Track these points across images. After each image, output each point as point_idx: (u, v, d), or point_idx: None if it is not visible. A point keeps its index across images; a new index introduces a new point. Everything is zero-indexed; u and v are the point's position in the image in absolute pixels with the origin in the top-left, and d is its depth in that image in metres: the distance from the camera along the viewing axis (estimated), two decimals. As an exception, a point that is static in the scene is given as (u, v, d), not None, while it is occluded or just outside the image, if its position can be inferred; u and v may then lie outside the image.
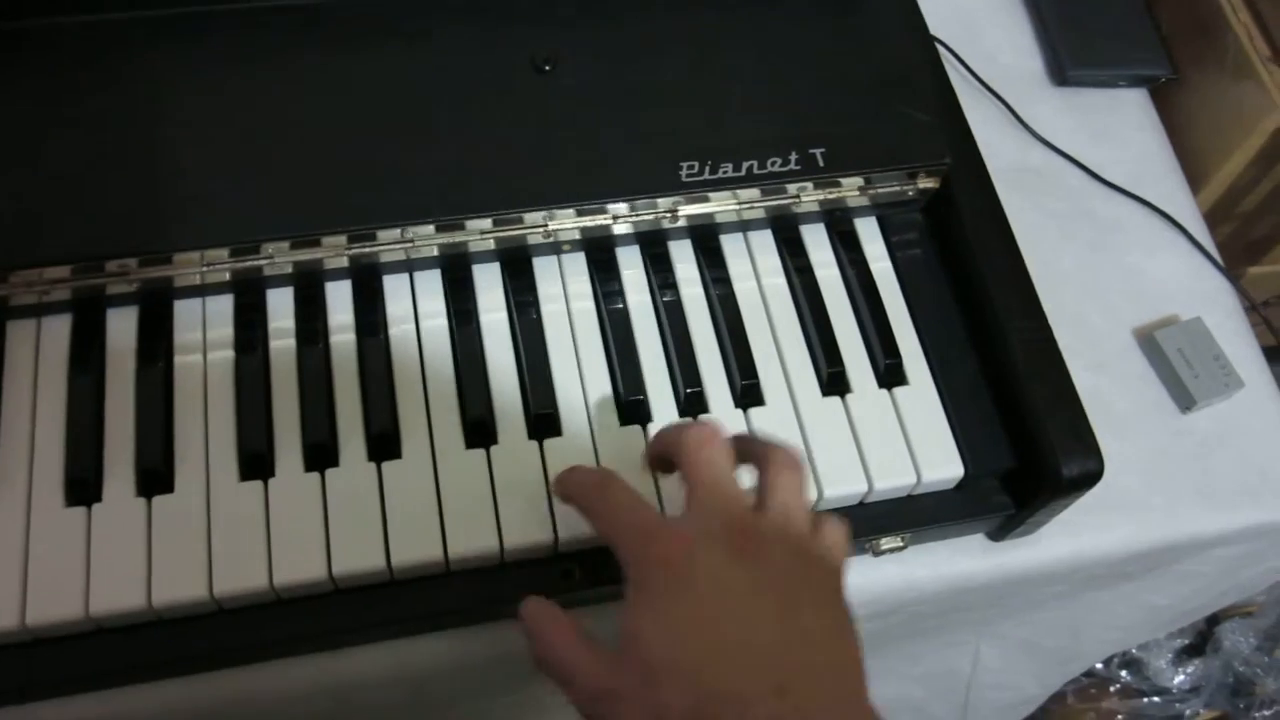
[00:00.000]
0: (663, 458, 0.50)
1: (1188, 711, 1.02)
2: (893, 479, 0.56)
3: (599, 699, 0.42)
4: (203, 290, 0.56)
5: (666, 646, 0.41)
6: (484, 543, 0.52)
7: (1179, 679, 1.00)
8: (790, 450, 0.47)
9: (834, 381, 0.58)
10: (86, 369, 0.54)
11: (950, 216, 0.61)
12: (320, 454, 0.53)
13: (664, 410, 0.56)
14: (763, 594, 0.42)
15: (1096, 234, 0.74)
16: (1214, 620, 0.97)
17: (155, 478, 0.52)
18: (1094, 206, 0.76)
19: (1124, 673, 1.03)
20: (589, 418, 0.56)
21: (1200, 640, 1.00)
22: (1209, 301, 0.73)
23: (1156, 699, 1.02)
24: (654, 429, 0.55)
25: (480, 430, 0.54)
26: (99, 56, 0.57)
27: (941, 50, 0.77)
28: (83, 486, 0.51)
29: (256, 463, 0.53)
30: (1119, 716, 1.02)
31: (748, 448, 0.48)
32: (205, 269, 0.55)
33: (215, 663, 0.52)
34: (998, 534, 0.62)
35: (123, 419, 0.53)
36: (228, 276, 0.56)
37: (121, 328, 0.56)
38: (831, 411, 0.57)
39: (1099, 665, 1.04)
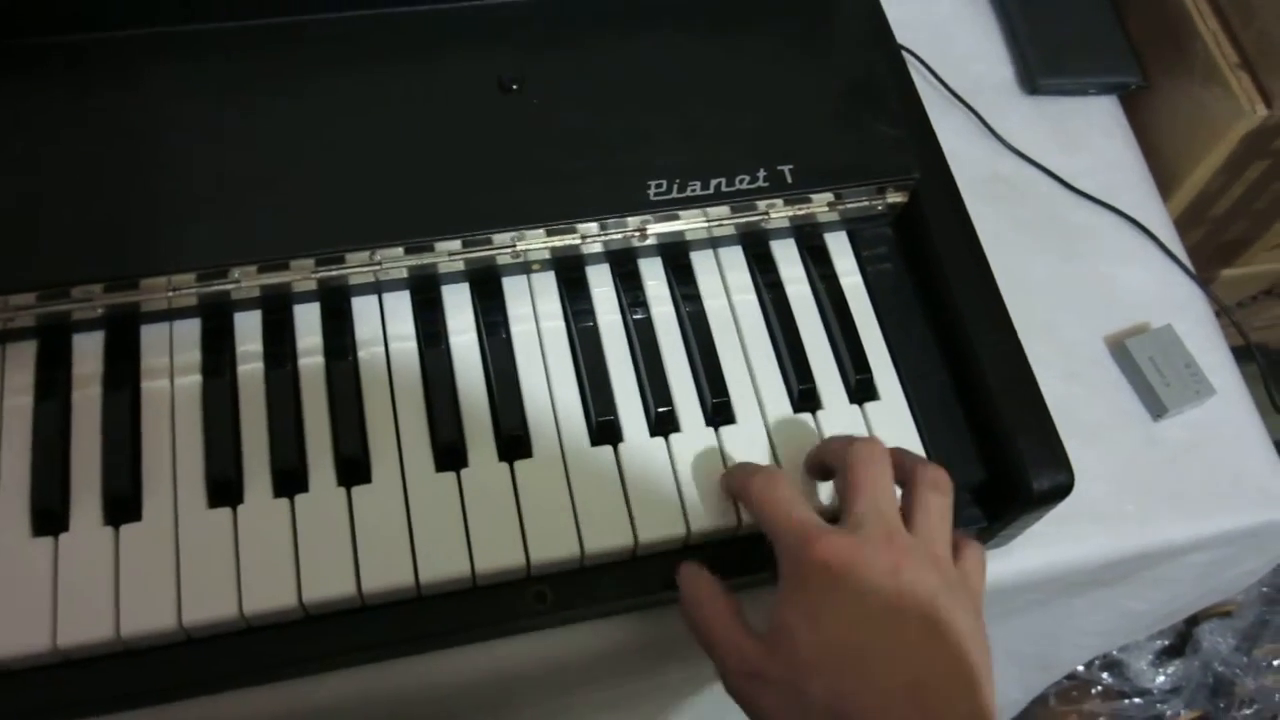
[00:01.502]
0: (821, 465, 0.54)
1: (1169, 712, 1.02)
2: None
3: (747, 678, 0.47)
4: (170, 315, 0.56)
5: (816, 644, 0.45)
6: (455, 567, 0.52)
7: (1160, 680, 1.01)
8: (939, 471, 0.51)
9: (805, 398, 0.58)
10: (52, 395, 0.54)
11: (919, 230, 0.61)
12: (289, 479, 0.53)
13: (635, 429, 0.56)
14: (908, 608, 0.46)
15: (1068, 242, 0.75)
16: (1193, 621, 0.97)
17: (123, 506, 0.52)
18: (1065, 215, 0.76)
19: (1105, 674, 1.03)
20: (560, 438, 0.55)
21: (1180, 641, 1.00)
22: (1180, 308, 0.73)
23: (1138, 700, 1.03)
24: (625, 449, 0.55)
25: (450, 453, 0.54)
26: (58, 81, 0.56)
27: (912, 60, 0.77)
28: (49, 516, 0.51)
29: (225, 489, 0.52)
30: (1101, 718, 1.02)
31: (900, 461, 0.52)
32: (172, 294, 0.55)
33: (185, 692, 0.52)
34: (971, 546, 0.62)
35: (89, 446, 0.53)
36: (195, 301, 0.55)
37: (87, 353, 0.55)
38: (803, 428, 0.57)
39: (1080, 667, 1.04)
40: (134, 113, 0.56)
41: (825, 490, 0.55)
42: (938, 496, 0.50)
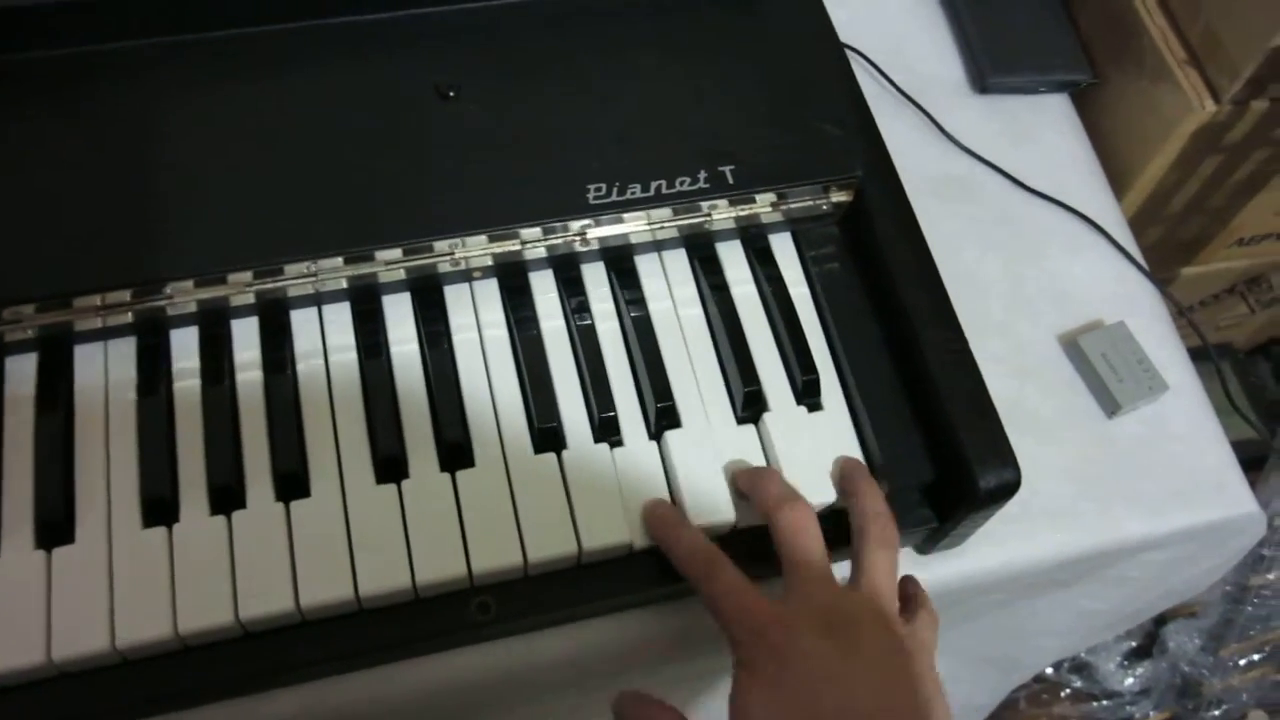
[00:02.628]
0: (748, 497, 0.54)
1: (1138, 714, 1.02)
2: (813, 496, 0.55)
3: None
4: (104, 334, 0.55)
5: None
6: (396, 579, 0.51)
7: (1129, 681, 1.00)
8: (885, 525, 0.52)
9: (751, 400, 0.57)
10: (-16, 418, 0.53)
11: (865, 229, 0.61)
12: (226, 496, 0.52)
13: (579, 436, 0.55)
14: (858, 669, 0.47)
15: (1020, 241, 0.74)
16: (1160, 621, 0.97)
17: (55, 529, 0.51)
18: (1017, 213, 0.76)
19: (1074, 677, 1.03)
20: (502, 447, 0.55)
21: (1148, 642, 1.00)
22: (1133, 305, 0.73)
23: (1107, 702, 1.02)
24: (569, 456, 0.54)
25: (391, 465, 0.53)
26: (-12, 97, 0.56)
27: (860, 61, 0.77)
28: (-21, 540, 0.50)
29: (160, 508, 0.51)
30: (1071, 721, 1.02)
31: (851, 498, 0.54)
32: (105, 312, 0.54)
33: (121, 716, 0.51)
34: (925, 547, 0.61)
35: (21, 469, 0.52)
36: (130, 318, 0.54)
37: (20, 374, 0.54)
38: (748, 431, 0.57)
39: (1049, 670, 1.04)
40: (62, 130, 0.55)
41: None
42: (884, 553, 0.51)
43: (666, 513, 0.53)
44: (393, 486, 0.53)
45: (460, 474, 0.54)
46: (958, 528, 0.58)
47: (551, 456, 0.55)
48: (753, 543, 0.54)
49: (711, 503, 0.54)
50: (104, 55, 0.57)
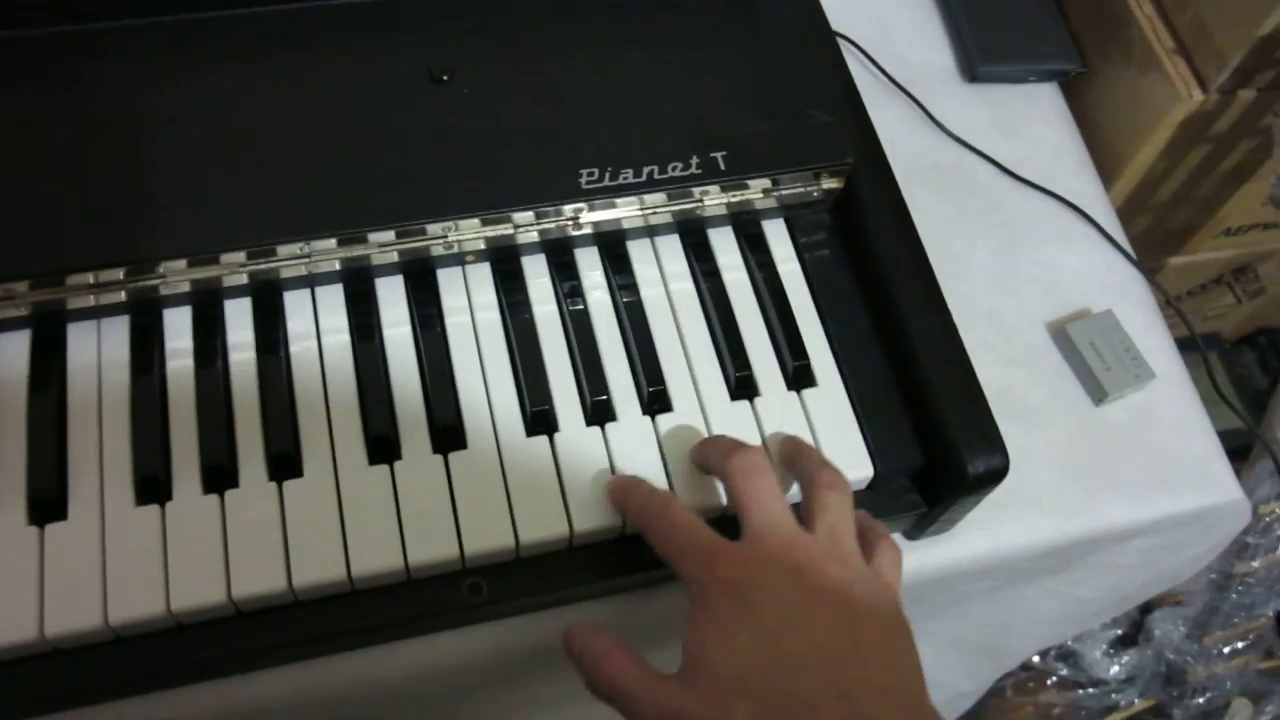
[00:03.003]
0: (704, 467, 0.53)
1: (1123, 701, 1.02)
2: (805, 480, 0.55)
3: None
4: (97, 312, 0.55)
5: (734, 663, 0.44)
6: (388, 560, 0.51)
7: (1114, 669, 1.01)
8: (835, 473, 0.51)
9: (742, 385, 0.57)
10: (-25, 396, 0.53)
11: (856, 216, 0.61)
12: (219, 475, 0.52)
13: (571, 419, 0.56)
14: (820, 607, 0.45)
15: (1009, 229, 0.75)
16: (1145, 609, 0.98)
17: (48, 505, 0.51)
18: (1007, 202, 0.76)
19: (1060, 665, 1.04)
20: (494, 429, 0.55)
21: (1134, 630, 1.01)
22: (1121, 294, 0.74)
23: (1093, 690, 1.03)
24: (561, 439, 0.55)
25: (383, 446, 0.54)
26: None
27: (851, 49, 0.78)
28: (-30, 517, 0.50)
29: (152, 486, 0.51)
30: (1056, 709, 1.02)
31: (795, 463, 0.53)
32: (98, 290, 0.54)
33: (114, 693, 0.51)
34: (913, 532, 0.62)
35: (14, 445, 0.52)
36: (123, 297, 0.55)
37: (12, 352, 0.54)
38: (740, 416, 0.57)
39: (1036, 658, 1.04)
40: (55, 107, 0.55)
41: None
42: (835, 494, 0.50)
43: (620, 477, 0.53)
44: (385, 467, 0.53)
45: (453, 455, 0.54)
46: (946, 513, 0.58)
47: (543, 439, 0.55)
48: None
49: (703, 486, 0.54)
50: (99, 33, 0.57)
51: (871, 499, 0.58)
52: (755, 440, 0.56)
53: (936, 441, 0.57)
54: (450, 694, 0.58)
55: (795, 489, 0.54)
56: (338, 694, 0.54)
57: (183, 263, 0.54)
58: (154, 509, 0.51)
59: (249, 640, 0.51)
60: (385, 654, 0.54)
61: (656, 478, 0.54)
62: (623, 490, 0.52)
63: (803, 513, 0.50)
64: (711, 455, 0.52)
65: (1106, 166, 0.81)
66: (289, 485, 0.52)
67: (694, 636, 0.45)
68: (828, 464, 0.51)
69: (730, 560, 0.46)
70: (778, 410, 0.57)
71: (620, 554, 0.54)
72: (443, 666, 0.55)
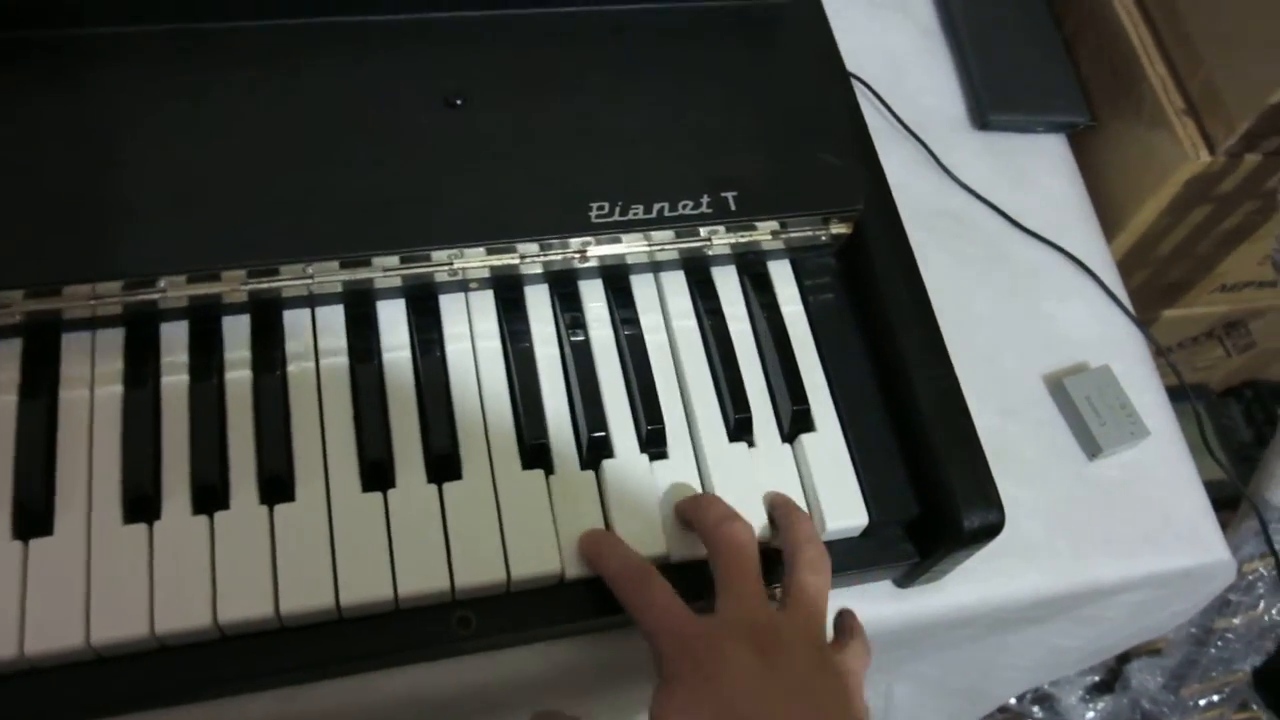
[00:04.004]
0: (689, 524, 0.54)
1: (1097, 748, 1.03)
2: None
3: None
4: (93, 323, 0.54)
5: None
6: (378, 590, 0.51)
7: (1089, 715, 1.01)
8: (819, 551, 0.52)
9: (741, 427, 0.57)
10: (-35, 403, 0.52)
11: (862, 262, 0.61)
12: (209, 496, 0.51)
13: (568, 454, 0.55)
14: (781, 686, 0.47)
15: (1012, 279, 0.75)
16: (1123, 658, 0.98)
17: (33, 519, 0.50)
18: (1010, 251, 0.76)
19: (1036, 708, 1.04)
20: (490, 461, 0.54)
21: (1110, 677, 1.01)
22: (1119, 348, 0.74)
23: (1067, 735, 1.04)
24: (557, 475, 0.54)
25: (378, 473, 0.53)
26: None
27: (863, 90, 0.78)
28: (-46, 529, 0.49)
29: (142, 505, 0.51)
30: (1031, 752, 1.03)
31: (784, 530, 0.53)
32: (95, 302, 0.53)
33: (90, 714, 0.50)
34: (904, 581, 0.62)
35: (1, 456, 0.51)
36: (120, 309, 0.54)
37: (4, 360, 0.53)
38: (737, 458, 0.57)
39: (1012, 700, 1.05)
40: (61, 117, 0.54)
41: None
42: (815, 578, 0.51)
43: (598, 534, 0.53)
44: (378, 495, 0.53)
45: (447, 486, 0.53)
46: (939, 564, 0.58)
47: (539, 473, 0.55)
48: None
49: (693, 538, 0.54)
50: (106, 41, 0.56)
51: (864, 547, 0.58)
52: (752, 485, 0.56)
53: (933, 493, 0.57)
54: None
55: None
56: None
57: (182, 278, 0.53)
58: (142, 528, 0.50)
59: (232, 665, 0.50)
60: (369, 682, 0.54)
61: (651, 518, 0.54)
62: (596, 549, 0.52)
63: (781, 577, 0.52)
64: (699, 519, 0.53)
65: (1109, 220, 0.82)
66: (280, 509, 0.52)
67: (660, 706, 0.46)
68: (813, 541, 0.52)
69: (699, 638, 0.47)
70: (776, 454, 0.57)
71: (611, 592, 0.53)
72: (427, 697, 0.54)
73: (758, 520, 0.55)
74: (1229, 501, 0.95)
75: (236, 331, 0.56)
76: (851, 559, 0.58)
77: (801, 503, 0.56)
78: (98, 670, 0.49)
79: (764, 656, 0.47)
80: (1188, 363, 1.13)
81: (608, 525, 0.54)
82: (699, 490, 0.55)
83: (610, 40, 0.61)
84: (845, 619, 0.56)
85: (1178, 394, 0.75)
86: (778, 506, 0.55)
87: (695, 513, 0.53)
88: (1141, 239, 0.86)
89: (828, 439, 0.58)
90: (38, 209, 0.52)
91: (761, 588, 0.50)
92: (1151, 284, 0.94)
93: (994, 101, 0.80)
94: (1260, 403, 1.20)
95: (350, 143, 0.56)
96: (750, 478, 0.56)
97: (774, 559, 0.54)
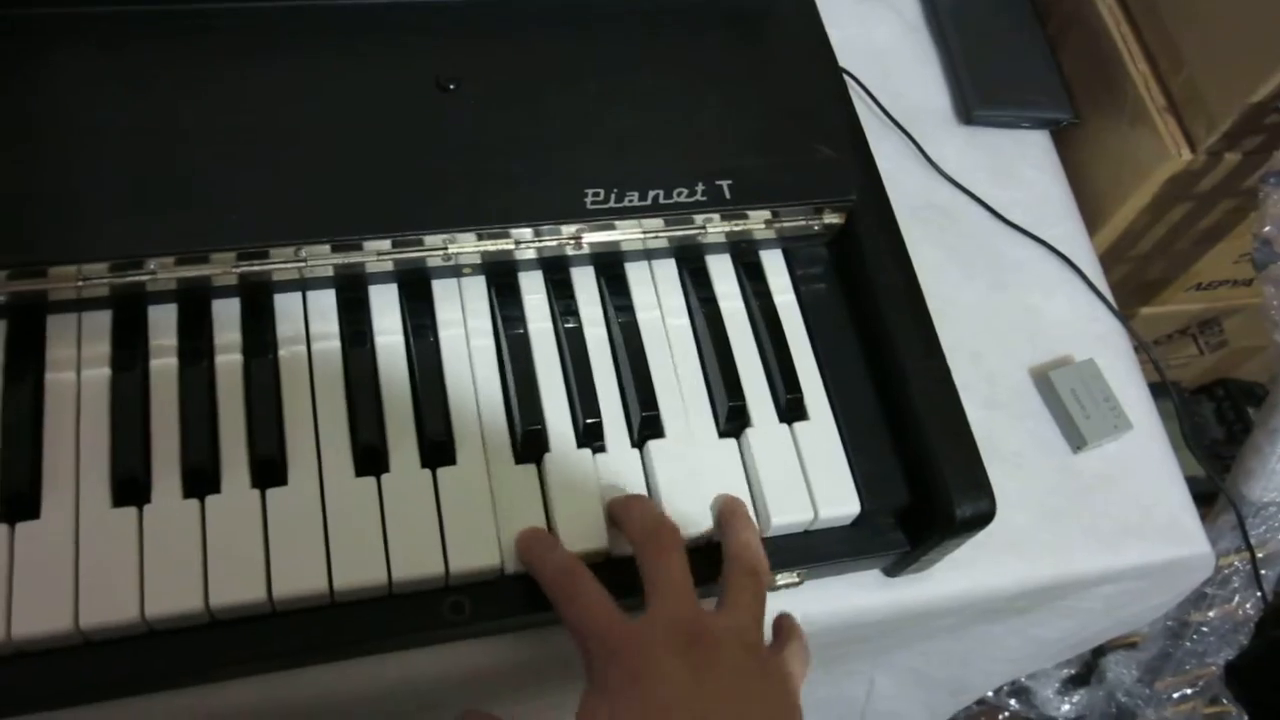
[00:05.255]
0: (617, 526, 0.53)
1: (1072, 740, 1.04)
2: (790, 515, 0.56)
3: None
4: (79, 305, 0.54)
5: None
6: (371, 574, 0.50)
7: (1065, 708, 1.03)
8: (755, 555, 0.51)
9: (734, 415, 0.57)
10: (-51, 385, 0.51)
11: (854, 252, 0.61)
12: (200, 480, 0.51)
13: (562, 439, 0.55)
14: (711, 690, 0.45)
15: (997, 273, 0.76)
16: (1099, 651, 0.99)
17: (20, 502, 0.49)
18: (995, 245, 0.77)
19: (1013, 701, 1.05)
20: (484, 446, 0.54)
21: (1086, 670, 1.02)
22: (1102, 342, 0.75)
23: (1043, 727, 1.05)
24: (552, 460, 0.54)
25: (371, 457, 0.53)
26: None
27: (851, 85, 0.78)
28: (-63, 511, 0.48)
29: (131, 488, 0.50)
30: (1007, 744, 1.04)
31: (724, 530, 0.53)
32: (82, 283, 0.52)
33: (81, 698, 0.49)
34: (893, 570, 0.62)
35: (-14, 439, 0.50)
36: (107, 291, 0.53)
37: (-12, 341, 0.53)
38: (730, 446, 0.57)
39: (989, 693, 1.05)
40: (48, 95, 0.54)
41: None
42: (751, 580, 0.50)
43: (535, 533, 0.52)
44: (372, 479, 0.52)
45: (441, 471, 0.53)
46: (929, 553, 0.59)
47: (533, 459, 0.54)
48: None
49: (691, 512, 0.54)
50: (98, 20, 0.55)
51: (855, 535, 0.58)
52: (744, 472, 0.56)
53: (924, 482, 0.57)
54: (423, 711, 0.57)
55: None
56: (309, 706, 0.53)
57: (171, 260, 0.53)
58: (131, 511, 0.50)
59: (223, 649, 0.50)
60: (361, 667, 0.53)
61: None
62: (530, 549, 0.51)
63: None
64: (627, 523, 0.52)
65: (1091, 216, 0.82)
66: (272, 493, 0.51)
67: (585, 706, 0.46)
68: (752, 546, 0.52)
69: (626, 639, 0.46)
70: (768, 442, 0.57)
71: (608, 578, 0.53)
72: (419, 683, 0.54)
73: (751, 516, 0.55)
74: (1204, 498, 0.97)
75: (227, 314, 0.55)
76: (842, 547, 0.58)
77: (797, 491, 0.56)
78: (87, 654, 0.48)
79: (694, 659, 0.46)
80: (1162, 360, 1.14)
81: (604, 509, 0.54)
82: (693, 474, 0.55)
83: (605, 28, 0.61)
84: (783, 620, 0.54)
85: (1158, 390, 0.76)
86: (723, 509, 0.54)
87: (621, 516, 0.52)
88: (1122, 236, 0.87)
89: (820, 427, 0.58)
90: (23, 189, 0.51)
91: (689, 591, 0.49)
92: (1130, 281, 0.95)
93: (979, 97, 0.80)
94: (1231, 401, 1.22)
95: (343, 126, 0.56)
96: (742, 464, 0.56)
97: (715, 557, 0.54)
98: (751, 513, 0.55)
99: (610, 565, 0.53)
